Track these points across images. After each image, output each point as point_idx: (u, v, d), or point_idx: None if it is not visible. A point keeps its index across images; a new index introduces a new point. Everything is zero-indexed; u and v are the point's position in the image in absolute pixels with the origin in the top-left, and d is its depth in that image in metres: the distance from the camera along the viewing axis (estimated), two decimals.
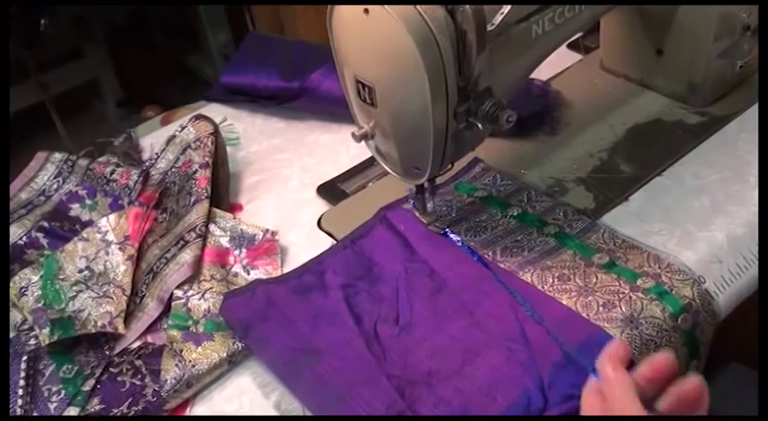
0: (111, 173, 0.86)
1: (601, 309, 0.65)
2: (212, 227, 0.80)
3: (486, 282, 0.68)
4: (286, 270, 0.77)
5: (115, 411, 0.66)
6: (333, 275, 0.73)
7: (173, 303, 0.73)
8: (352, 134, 0.67)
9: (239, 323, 0.70)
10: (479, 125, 0.64)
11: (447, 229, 0.75)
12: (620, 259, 0.70)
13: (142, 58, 2.16)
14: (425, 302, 0.69)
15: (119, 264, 0.77)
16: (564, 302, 0.66)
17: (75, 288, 0.76)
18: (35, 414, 0.66)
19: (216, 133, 0.87)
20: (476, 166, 0.83)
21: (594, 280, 0.68)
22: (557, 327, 0.63)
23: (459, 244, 0.72)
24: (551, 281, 0.69)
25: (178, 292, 0.74)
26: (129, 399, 0.67)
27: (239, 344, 0.69)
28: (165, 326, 0.72)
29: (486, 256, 0.72)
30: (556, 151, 0.86)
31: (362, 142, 0.68)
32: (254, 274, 0.77)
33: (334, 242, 0.79)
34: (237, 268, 0.78)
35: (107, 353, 0.71)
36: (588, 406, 0.51)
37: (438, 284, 0.70)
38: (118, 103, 2.12)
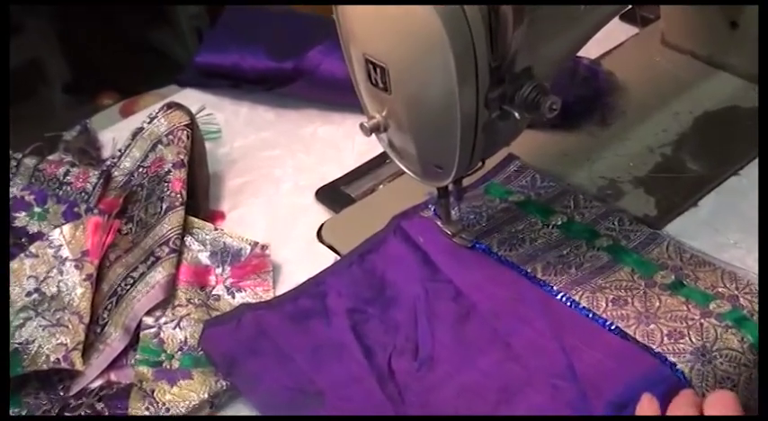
0: (65, 174, 0.87)
1: (665, 339, 0.66)
2: (189, 239, 0.81)
3: (525, 306, 0.69)
4: (279, 292, 0.77)
5: None
6: (337, 298, 0.74)
7: (141, 333, 0.74)
8: (360, 126, 0.68)
9: (223, 357, 0.70)
10: (516, 114, 0.64)
11: (476, 242, 0.76)
12: (688, 278, 0.71)
13: (95, 34, 2.17)
14: (450, 331, 0.70)
15: (75, 285, 0.78)
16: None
17: (21, 315, 0.77)
18: None
19: (192, 125, 0.87)
20: (510, 165, 0.84)
21: (657, 303, 0.69)
22: (612, 361, 0.64)
23: (493, 258, 0.73)
24: (604, 305, 0.69)
25: (148, 320, 0.74)
26: None
27: (223, 383, 0.70)
28: (133, 361, 0.73)
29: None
30: (608, 146, 0.86)
31: (372, 136, 0.69)
32: (241, 298, 0.78)
33: (338, 258, 0.79)
34: (220, 290, 0.78)
35: (62, 394, 0.72)
36: None
37: (466, 309, 0.71)
38: (64, 88, 2.13)
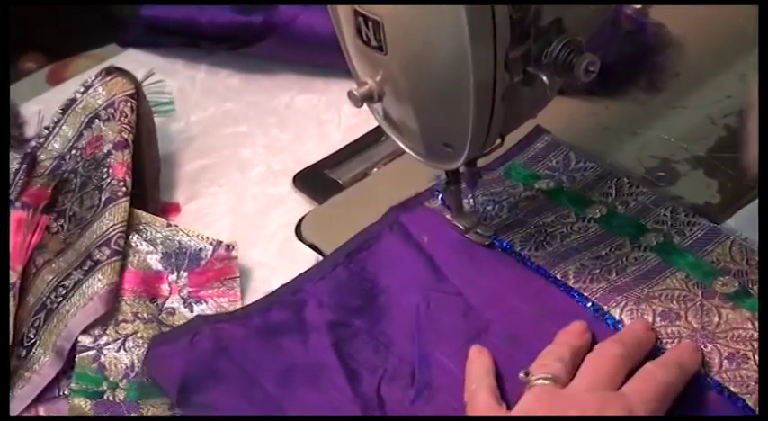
0: None
1: (725, 363, 0.65)
2: (135, 239, 0.81)
3: (555, 324, 0.69)
4: (249, 302, 0.77)
5: None
6: (316, 310, 0.74)
7: (77, 356, 0.74)
8: (348, 94, 0.67)
9: (173, 382, 0.70)
10: (544, 78, 0.64)
11: (494, 238, 0.76)
12: (755, 286, 0.70)
13: None
14: (456, 353, 0.69)
15: None
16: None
17: None
18: None
19: (137, 95, 0.87)
20: (537, 141, 0.84)
21: (717, 318, 0.68)
22: None
23: (515, 258, 0.73)
24: (651, 318, 0.69)
25: (85, 340, 0.74)
26: None
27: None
28: (67, 391, 0.73)
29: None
30: (659, 116, 0.86)
31: (364, 106, 0.68)
32: (201, 311, 0.78)
33: (321, 259, 0.79)
34: (175, 301, 0.79)
35: None
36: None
37: (477, 327, 0.71)
38: None
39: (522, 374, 0.63)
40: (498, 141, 0.70)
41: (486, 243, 0.76)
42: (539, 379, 0.62)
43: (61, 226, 0.83)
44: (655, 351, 0.66)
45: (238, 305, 0.78)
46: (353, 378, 0.69)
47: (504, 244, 0.76)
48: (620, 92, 0.89)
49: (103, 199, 0.81)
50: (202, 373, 0.70)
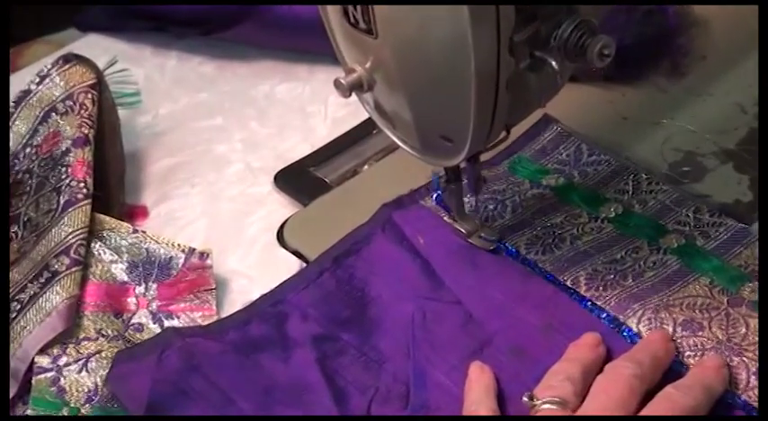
0: None
1: (753, 379, 0.66)
2: (98, 246, 0.81)
3: (566, 336, 0.69)
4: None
5: None
6: (300, 322, 0.74)
7: (34, 379, 0.74)
8: (335, 82, 0.67)
9: (139, 403, 0.70)
10: (553, 63, 0.64)
11: (500, 243, 0.75)
12: None
13: None
14: (455, 370, 0.69)
15: None
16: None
17: None
18: None
19: (99, 86, 0.87)
20: (546, 131, 0.84)
21: (744, 329, 0.68)
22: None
23: (520, 263, 0.73)
24: (671, 329, 0.69)
25: (43, 360, 0.74)
26: None
27: None
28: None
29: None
30: (683, 105, 0.86)
31: (353, 96, 0.68)
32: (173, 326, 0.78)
33: (305, 266, 0.80)
34: (143, 317, 0.79)
35: None
36: None
37: (478, 339, 0.71)
38: None
39: (525, 398, 0.63)
40: (503, 134, 0.70)
41: (491, 248, 0.76)
42: (545, 403, 0.62)
43: (15, 233, 0.83)
44: (674, 366, 0.66)
45: (214, 320, 0.78)
46: (341, 397, 0.69)
47: (509, 247, 0.76)
48: (639, 78, 0.89)
49: (62, 202, 0.81)
50: (172, 393, 0.70)
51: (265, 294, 0.77)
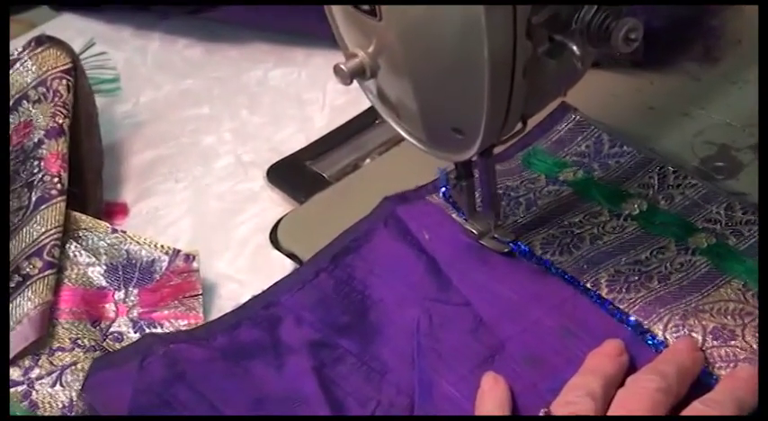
0: None
1: None
2: (74, 247, 0.81)
3: (584, 343, 0.69)
4: None
5: None
6: (294, 326, 0.74)
7: None
8: (335, 68, 0.67)
9: (118, 413, 0.70)
10: (574, 48, 0.64)
11: (514, 244, 0.75)
12: None
13: None
14: (465, 381, 0.69)
15: None
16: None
17: None
18: None
19: (75, 71, 0.87)
20: (564, 120, 0.84)
21: None
22: None
23: (535, 264, 0.73)
24: (701, 337, 0.69)
25: (13, 373, 0.74)
26: None
27: None
28: None
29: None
30: (716, 94, 0.86)
31: (354, 83, 0.68)
32: None
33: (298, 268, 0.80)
34: (123, 324, 0.79)
35: None
36: None
37: (489, 346, 0.71)
38: None
39: (542, 413, 0.62)
40: (519, 126, 0.69)
41: (505, 250, 0.75)
42: None
43: None
44: (703, 378, 0.66)
45: None
46: (339, 410, 0.69)
47: (523, 247, 0.75)
48: (669, 63, 0.89)
49: (34, 199, 0.81)
50: (155, 404, 0.70)
51: (257, 296, 0.77)
